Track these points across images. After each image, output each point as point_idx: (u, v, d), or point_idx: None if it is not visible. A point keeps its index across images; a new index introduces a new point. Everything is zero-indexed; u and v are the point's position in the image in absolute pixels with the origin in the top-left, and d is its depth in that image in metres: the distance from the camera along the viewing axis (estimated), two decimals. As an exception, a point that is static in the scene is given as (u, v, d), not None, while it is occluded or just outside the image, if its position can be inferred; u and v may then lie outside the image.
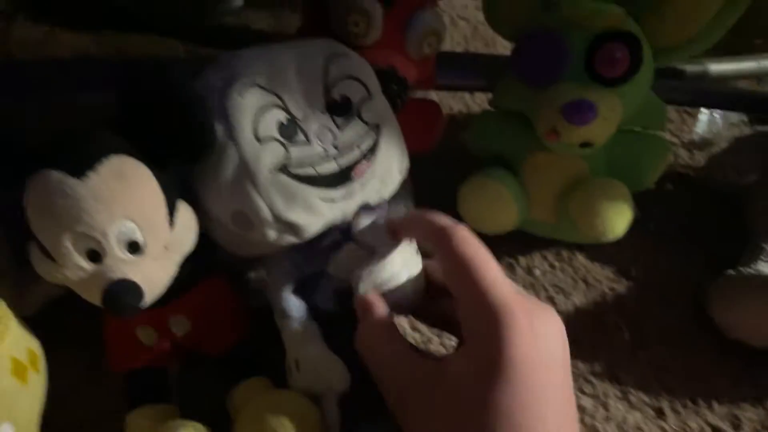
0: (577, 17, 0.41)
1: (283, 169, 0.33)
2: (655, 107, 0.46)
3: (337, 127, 0.35)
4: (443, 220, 0.29)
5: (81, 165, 0.28)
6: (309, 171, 0.33)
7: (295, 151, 0.33)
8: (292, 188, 0.33)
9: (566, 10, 0.41)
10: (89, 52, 0.63)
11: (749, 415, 0.38)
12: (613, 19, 0.41)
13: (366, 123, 0.36)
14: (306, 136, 0.34)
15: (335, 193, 0.34)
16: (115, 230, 0.28)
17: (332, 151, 0.34)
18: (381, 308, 0.30)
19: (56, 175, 0.28)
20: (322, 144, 0.34)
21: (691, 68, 0.58)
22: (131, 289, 0.29)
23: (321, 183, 0.34)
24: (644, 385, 0.39)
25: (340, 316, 0.35)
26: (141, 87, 0.29)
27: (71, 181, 0.28)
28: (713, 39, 0.41)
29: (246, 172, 0.32)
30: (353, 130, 0.35)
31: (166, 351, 0.35)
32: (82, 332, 0.39)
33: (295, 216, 0.33)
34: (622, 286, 0.47)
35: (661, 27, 0.41)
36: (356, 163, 0.35)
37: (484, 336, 0.25)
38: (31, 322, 0.32)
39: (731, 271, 0.43)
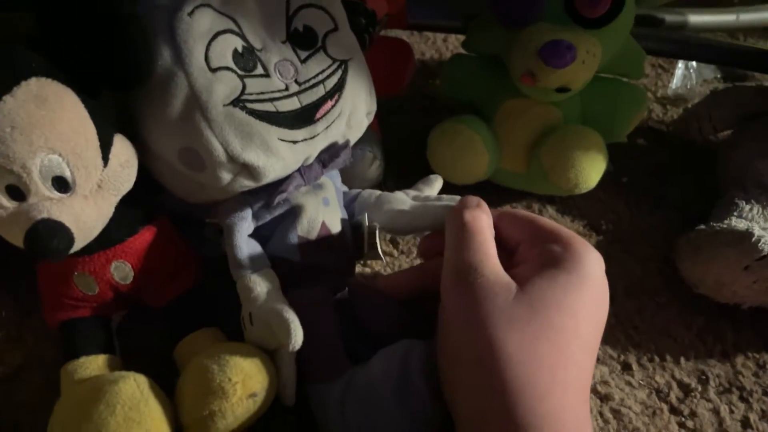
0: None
1: (239, 103, 0.29)
2: (633, 54, 0.44)
3: (300, 60, 0.32)
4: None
5: None
6: (268, 107, 0.30)
7: (253, 84, 0.30)
8: (249, 125, 0.29)
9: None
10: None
11: (716, 370, 0.37)
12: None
13: (331, 58, 0.33)
14: (264, 68, 0.30)
15: (297, 133, 0.31)
16: (37, 163, 0.25)
17: (294, 86, 0.31)
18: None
19: None
20: (282, 78, 0.31)
21: (670, 18, 0.56)
22: (57, 230, 0.25)
23: (281, 122, 0.30)
24: (611, 339, 0.39)
25: (305, 270, 0.33)
26: None
27: None
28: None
29: (197, 105, 0.28)
30: (317, 65, 0.32)
31: (107, 300, 0.32)
32: (12, 278, 0.36)
33: (253, 157, 0.30)
34: (591, 240, 0.45)
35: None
36: (320, 101, 0.32)
37: (565, 255, 0.27)
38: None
39: (702, 226, 0.43)
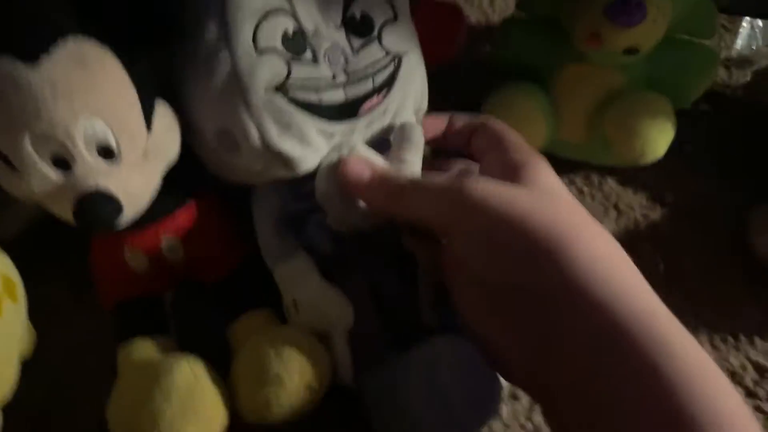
0: None
1: (282, 89, 0.27)
2: (704, 11, 0.40)
3: (352, 49, 0.29)
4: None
5: (32, 47, 0.23)
6: (311, 97, 0.28)
7: (299, 71, 0.28)
8: (289, 114, 0.28)
9: None
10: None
11: (794, 352, 0.35)
12: None
13: (386, 50, 0.30)
14: (314, 53, 0.28)
15: (336, 127, 0.29)
16: (81, 129, 0.24)
17: (341, 76, 0.29)
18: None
19: (4, 61, 0.23)
20: (331, 67, 0.29)
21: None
22: (107, 200, 0.25)
23: (322, 113, 0.29)
24: (681, 319, 0.36)
25: (340, 258, 0.31)
26: None
27: (21, 67, 0.23)
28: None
29: (237, 86, 0.27)
30: (370, 56, 0.30)
31: (159, 278, 0.32)
32: (65, 259, 0.35)
33: (288, 147, 0.28)
34: (655, 214, 0.43)
35: None
36: (367, 96, 0.30)
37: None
38: (8, 248, 0.29)
39: (776, 198, 0.40)
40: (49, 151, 0.24)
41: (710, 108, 0.52)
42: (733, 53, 0.59)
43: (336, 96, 0.29)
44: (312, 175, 0.30)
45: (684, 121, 0.47)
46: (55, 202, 0.25)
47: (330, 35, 0.29)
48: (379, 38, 0.30)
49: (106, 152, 0.25)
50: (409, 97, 0.32)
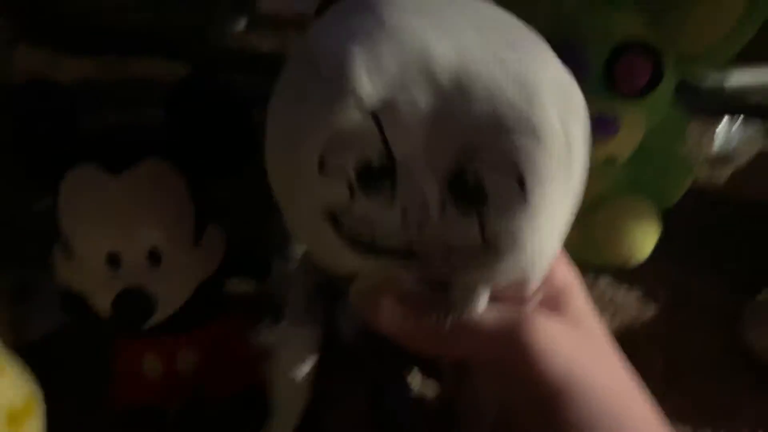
0: (595, 27, 0.39)
1: (334, 218, 0.21)
2: (676, 120, 0.44)
3: (443, 211, 0.20)
4: None
5: (118, 162, 0.28)
6: (365, 237, 0.21)
7: (363, 207, 0.20)
8: (333, 246, 0.22)
9: (582, 20, 0.40)
10: (91, 77, 0.61)
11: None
12: (631, 28, 0.39)
13: (484, 236, 0.20)
14: (393, 196, 0.20)
15: (385, 263, 0.22)
16: (140, 236, 0.28)
17: (412, 230, 0.21)
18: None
19: (93, 169, 0.28)
20: (405, 216, 0.20)
21: (709, 81, 0.56)
22: (144, 299, 0.28)
23: (370, 250, 0.22)
24: (683, 416, 0.37)
25: (356, 349, 0.31)
26: (189, 86, 0.29)
27: (106, 177, 0.27)
28: (735, 47, 0.39)
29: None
30: (457, 231, 0.20)
31: (169, 387, 0.33)
32: (80, 366, 0.37)
33: (324, 262, 0.24)
34: (650, 311, 0.44)
35: (680, 35, 0.40)
36: (434, 260, 0.22)
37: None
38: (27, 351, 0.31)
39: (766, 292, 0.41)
40: (107, 248, 0.28)
41: (696, 204, 0.55)
42: (714, 151, 0.62)
43: (395, 241, 0.21)
44: None
45: (671, 217, 0.49)
46: (97, 291, 0.29)
47: (423, 180, 0.20)
48: (482, 220, 0.20)
49: (154, 257, 0.29)
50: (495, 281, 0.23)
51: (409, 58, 0.18)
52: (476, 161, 0.19)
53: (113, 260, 0.28)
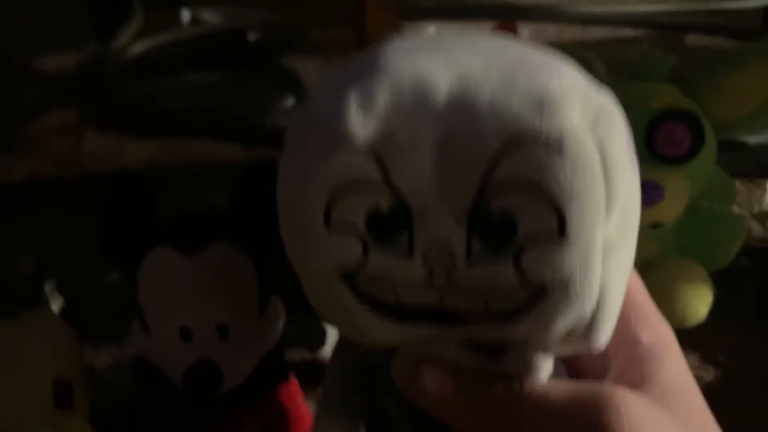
0: (633, 97, 0.41)
1: (349, 278, 0.19)
2: (722, 181, 0.44)
3: (469, 255, 0.17)
4: None
5: (193, 244, 0.30)
6: (386, 293, 0.18)
7: (379, 260, 0.18)
8: (355, 313, 0.19)
9: (620, 89, 0.41)
10: (153, 160, 0.66)
11: None
12: (669, 97, 0.40)
13: (522, 276, 0.17)
14: (410, 245, 0.18)
15: (417, 332, 0.19)
16: (210, 312, 0.30)
17: (439, 280, 0.18)
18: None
19: (169, 251, 0.30)
20: (428, 264, 0.18)
21: (753, 140, 0.56)
22: (214, 371, 0.30)
23: (397, 314, 0.19)
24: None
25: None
26: (255, 174, 0.31)
27: (180, 258, 0.30)
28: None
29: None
30: (490, 273, 0.17)
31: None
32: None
33: (353, 336, 0.21)
34: (709, 375, 0.43)
35: (717, 102, 0.41)
36: (473, 316, 0.19)
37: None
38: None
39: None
40: (180, 323, 0.30)
41: (750, 264, 0.54)
42: (765, 207, 0.61)
43: (422, 298, 0.18)
44: None
45: (727, 278, 0.49)
46: (171, 363, 0.31)
47: (444, 223, 0.17)
48: (517, 256, 0.17)
49: (222, 331, 0.31)
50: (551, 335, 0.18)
51: (403, 88, 0.17)
52: (496, 189, 0.17)
53: (185, 333, 0.31)
